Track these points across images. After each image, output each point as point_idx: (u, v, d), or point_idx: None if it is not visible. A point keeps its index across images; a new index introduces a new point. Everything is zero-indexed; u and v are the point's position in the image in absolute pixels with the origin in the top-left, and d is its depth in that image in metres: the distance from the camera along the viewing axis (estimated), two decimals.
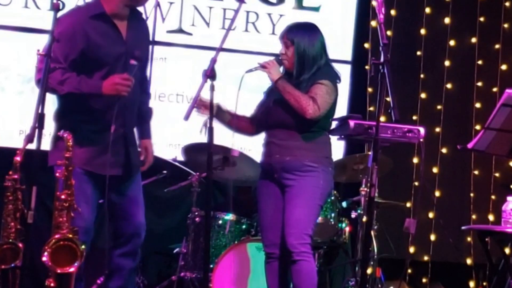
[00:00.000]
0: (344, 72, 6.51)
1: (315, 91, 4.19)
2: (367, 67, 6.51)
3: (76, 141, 3.83)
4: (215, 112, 4.12)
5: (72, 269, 3.68)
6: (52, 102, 3.99)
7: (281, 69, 4.37)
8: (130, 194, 4.11)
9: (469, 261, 6.66)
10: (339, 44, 6.57)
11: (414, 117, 6.63)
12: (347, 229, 5.54)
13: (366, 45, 6.59)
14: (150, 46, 4.44)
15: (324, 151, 4.32)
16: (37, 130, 3.46)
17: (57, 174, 3.80)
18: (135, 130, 4.22)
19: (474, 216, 6.68)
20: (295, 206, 4.18)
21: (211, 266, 5.07)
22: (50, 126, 3.98)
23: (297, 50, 4.28)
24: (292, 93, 4.19)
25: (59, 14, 3.67)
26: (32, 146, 3.51)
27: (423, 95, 6.73)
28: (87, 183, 3.95)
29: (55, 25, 3.60)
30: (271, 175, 4.31)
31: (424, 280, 6.63)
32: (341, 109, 6.22)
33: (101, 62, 3.94)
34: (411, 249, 6.35)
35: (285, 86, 4.22)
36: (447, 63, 6.78)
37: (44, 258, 3.64)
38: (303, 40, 4.29)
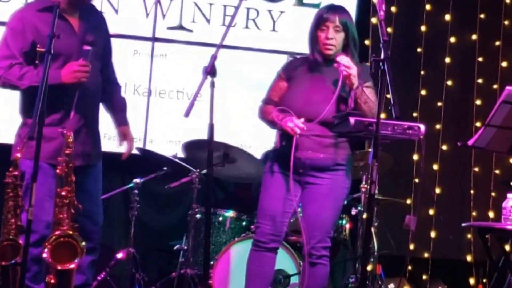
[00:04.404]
0: None
1: (373, 97, 4.03)
2: (367, 64, 6.51)
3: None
4: None
5: (72, 266, 3.68)
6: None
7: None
8: (89, 190, 4.15)
9: (469, 258, 6.67)
10: None
11: (415, 114, 6.63)
12: (347, 226, 5.54)
13: (367, 42, 6.59)
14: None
15: (350, 148, 4.19)
16: (37, 127, 3.47)
17: (58, 171, 3.81)
18: (112, 120, 4.37)
19: (474, 213, 6.69)
20: (324, 208, 4.04)
21: (211, 262, 5.08)
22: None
23: (352, 36, 4.09)
24: (369, 102, 3.99)
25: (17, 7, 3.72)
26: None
27: (423, 92, 6.73)
28: (52, 178, 3.92)
29: (55, 21, 3.62)
30: (294, 169, 4.00)
31: (424, 277, 6.64)
32: None
33: (54, 53, 3.88)
34: (411, 246, 6.36)
35: (364, 92, 4.00)
36: (447, 60, 6.78)
37: (44, 255, 3.65)
38: (353, 25, 4.13)
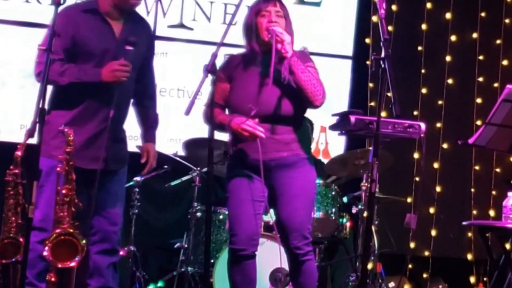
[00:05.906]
0: (345, 67, 6.55)
1: (316, 75, 3.93)
2: (368, 62, 6.51)
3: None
4: None
5: (73, 264, 3.68)
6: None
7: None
8: (110, 189, 4.11)
9: (469, 256, 6.67)
10: (340, 39, 6.58)
11: (415, 113, 6.63)
12: (348, 224, 5.54)
13: (367, 40, 6.59)
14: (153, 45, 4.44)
15: (310, 139, 4.12)
16: (38, 125, 3.46)
17: (58, 169, 3.81)
18: (139, 132, 4.34)
19: (474, 212, 6.69)
20: (298, 208, 3.94)
21: (212, 261, 5.08)
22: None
23: (290, 23, 4.03)
24: (309, 74, 3.83)
25: (60, 8, 3.70)
26: (33, 140, 3.51)
27: (424, 91, 6.73)
28: None
29: (56, 19, 3.61)
30: (258, 172, 3.90)
31: (424, 275, 6.64)
32: (342, 104, 6.23)
33: (89, 54, 3.96)
34: (412, 245, 6.36)
35: (301, 64, 3.85)
36: (448, 58, 6.78)
37: (45, 253, 3.65)
38: (289, 14, 4.06)
